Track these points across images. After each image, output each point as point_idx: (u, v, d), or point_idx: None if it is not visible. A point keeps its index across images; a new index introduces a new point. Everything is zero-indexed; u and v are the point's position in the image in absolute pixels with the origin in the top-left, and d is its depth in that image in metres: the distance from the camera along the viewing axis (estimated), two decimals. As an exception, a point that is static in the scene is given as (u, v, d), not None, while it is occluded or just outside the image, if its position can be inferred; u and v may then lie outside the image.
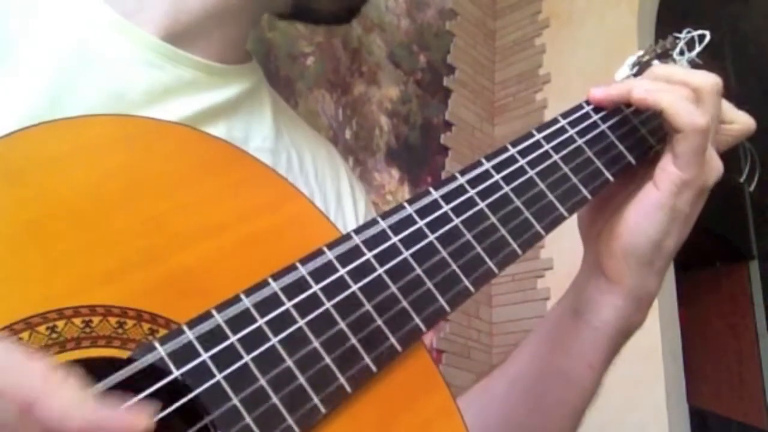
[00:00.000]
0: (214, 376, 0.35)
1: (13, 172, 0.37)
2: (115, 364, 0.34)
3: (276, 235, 0.42)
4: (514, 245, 0.47)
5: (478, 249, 0.45)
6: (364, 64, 2.59)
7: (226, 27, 0.59)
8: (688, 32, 0.61)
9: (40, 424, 0.28)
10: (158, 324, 0.36)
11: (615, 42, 2.68)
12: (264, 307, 0.38)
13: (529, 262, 2.61)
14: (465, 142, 2.84)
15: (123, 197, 0.39)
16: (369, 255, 0.42)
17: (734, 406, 3.60)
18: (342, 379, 0.38)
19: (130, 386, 0.33)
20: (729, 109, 0.57)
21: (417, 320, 0.41)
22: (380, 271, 0.42)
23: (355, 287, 0.40)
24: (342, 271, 0.41)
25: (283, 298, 0.38)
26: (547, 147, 0.52)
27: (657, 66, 0.58)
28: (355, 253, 0.42)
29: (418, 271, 0.43)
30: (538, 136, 0.52)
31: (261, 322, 0.37)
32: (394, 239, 0.43)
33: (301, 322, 0.38)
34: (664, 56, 0.61)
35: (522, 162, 0.50)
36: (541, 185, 0.50)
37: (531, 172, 0.50)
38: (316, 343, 0.38)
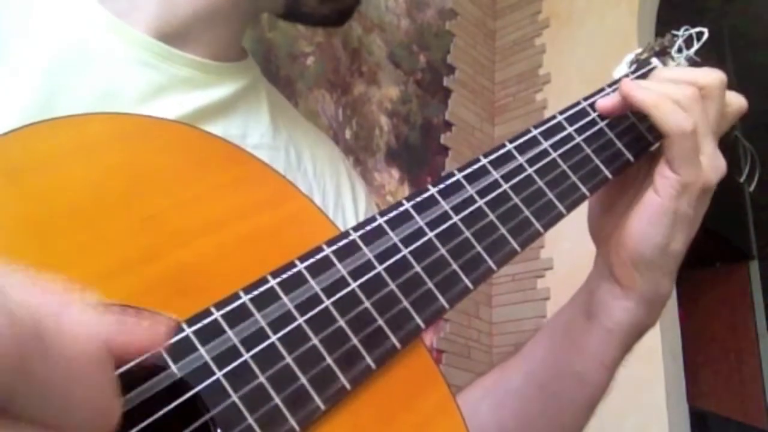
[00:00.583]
0: (213, 373, 0.35)
1: (11, 170, 0.37)
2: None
3: (275, 233, 0.42)
4: (513, 243, 0.47)
5: (478, 247, 0.45)
6: (364, 64, 2.59)
7: (218, 28, 0.59)
8: (686, 30, 0.61)
9: (66, 337, 0.26)
10: None
11: (615, 42, 2.68)
12: (263, 304, 0.38)
13: (529, 262, 2.61)
14: (465, 142, 2.84)
15: (122, 195, 0.39)
16: (368, 253, 0.42)
17: (734, 406, 3.60)
18: (342, 377, 0.38)
19: (129, 383, 0.33)
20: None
21: (417, 318, 0.41)
22: (380, 269, 0.42)
23: (354, 285, 0.40)
24: (341, 269, 0.41)
25: (282, 295, 0.38)
26: (545, 144, 0.52)
27: (662, 69, 0.58)
28: (354, 250, 0.42)
29: (417, 269, 0.43)
30: (535, 132, 0.52)
31: (260, 319, 0.37)
32: (393, 237, 0.43)
33: (301, 320, 0.38)
34: (663, 54, 0.61)
35: (521, 160, 0.50)
36: (540, 183, 0.50)
37: (530, 170, 0.50)
38: (315, 341, 0.38)
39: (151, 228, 0.38)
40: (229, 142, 0.44)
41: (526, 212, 0.48)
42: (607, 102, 0.55)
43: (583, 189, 0.51)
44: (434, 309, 0.42)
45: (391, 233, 0.43)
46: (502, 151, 0.50)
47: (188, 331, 0.35)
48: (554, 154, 0.51)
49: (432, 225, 0.45)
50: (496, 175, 0.48)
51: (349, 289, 0.40)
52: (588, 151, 0.53)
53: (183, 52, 0.57)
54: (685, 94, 0.52)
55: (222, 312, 0.36)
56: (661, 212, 0.52)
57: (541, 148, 0.51)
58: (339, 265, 0.41)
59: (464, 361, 2.57)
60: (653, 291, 0.55)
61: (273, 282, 0.38)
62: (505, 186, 0.48)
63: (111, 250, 0.37)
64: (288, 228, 0.42)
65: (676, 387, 2.34)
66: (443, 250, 0.44)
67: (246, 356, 0.36)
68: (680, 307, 2.47)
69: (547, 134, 0.52)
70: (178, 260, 0.38)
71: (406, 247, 0.43)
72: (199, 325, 0.36)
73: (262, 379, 0.36)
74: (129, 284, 0.36)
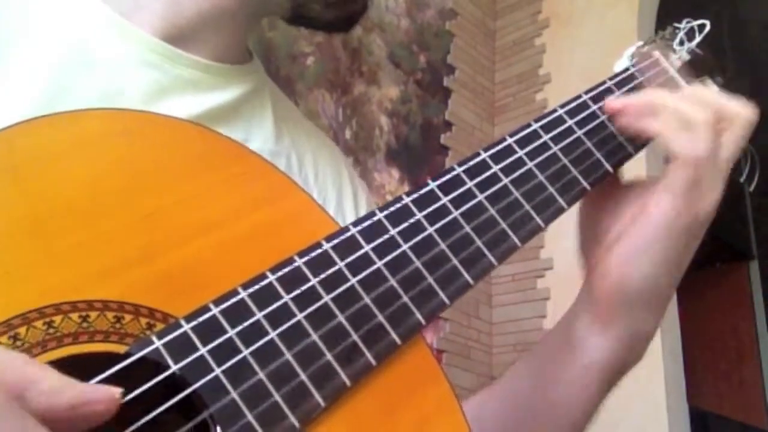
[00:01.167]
0: (212, 370, 0.35)
1: (10, 166, 0.37)
2: (113, 359, 0.34)
3: (274, 229, 0.41)
4: (514, 238, 0.46)
5: (478, 242, 0.45)
6: (364, 64, 2.59)
7: (224, 29, 0.59)
8: (688, 22, 0.61)
9: (30, 407, 0.28)
10: (156, 318, 0.36)
11: (615, 42, 2.68)
12: (262, 300, 0.37)
13: (529, 262, 2.61)
14: (465, 142, 2.84)
15: (121, 192, 0.39)
16: (367, 248, 0.41)
17: (734, 406, 3.60)
18: (341, 373, 0.37)
19: (129, 381, 0.33)
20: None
21: (417, 314, 0.41)
22: (379, 264, 0.41)
23: (354, 280, 0.40)
24: (340, 264, 0.40)
25: (281, 291, 0.38)
26: (545, 137, 0.51)
27: (695, 87, 0.56)
28: (354, 245, 0.41)
29: (417, 264, 0.43)
30: (536, 126, 0.52)
31: (259, 315, 0.37)
32: (393, 232, 0.43)
33: (300, 316, 0.38)
34: (664, 47, 0.60)
35: (520, 153, 0.50)
36: (541, 177, 0.49)
37: (530, 164, 0.49)
38: (315, 337, 0.38)
39: (151, 225, 0.38)
40: (229, 139, 0.44)
41: (527, 207, 0.48)
42: (617, 104, 0.53)
43: (584, 183, 0.51)
44: (434, 304, 0.42)
45: (390, 228, 0.43)
46: (502, 145, 0.50)
47: (186, 327, 0.35)
48: (555, 148, 0.51)
49: (432, 220, 0.44)
50: (495, 168, 0.48)
51: (348, 284, 0.40)
52: (589, 144, 0.52)
53: (188, 53, 0.56)
54: (707, 118, 0.50)
55: (220, 308, 0.36)
56: (652, 243, 0.49)
57: (541, 141, 0.51)
58: (338, 261, 0.40)
59: (464, 361, 2.57)
60: (634, 329, 0.51)
61: (272, 278, 0.38)
62: (506, 180, 0.48)
63: (109, 248, 0.37)
64: (287, 224, 0.42)
65: (676, 387, 2.34)
66: (443, 245, 0.44)
67: (245, 352, 0.36)
68: (680, 307, 2.46)
69: (546, 127, 0.52)
70: (177, 258, 0.38)
71: (406, 242, 0.43)
72: (197, 322, 0.36)
73: (261, 375, 0.35)
74: (128, 282, 0.36)
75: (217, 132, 0.44)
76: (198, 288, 0.37)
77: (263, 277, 0.38)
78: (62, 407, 0.29)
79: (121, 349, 0.35)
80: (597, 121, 0.53)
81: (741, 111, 0.52)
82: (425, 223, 0.44)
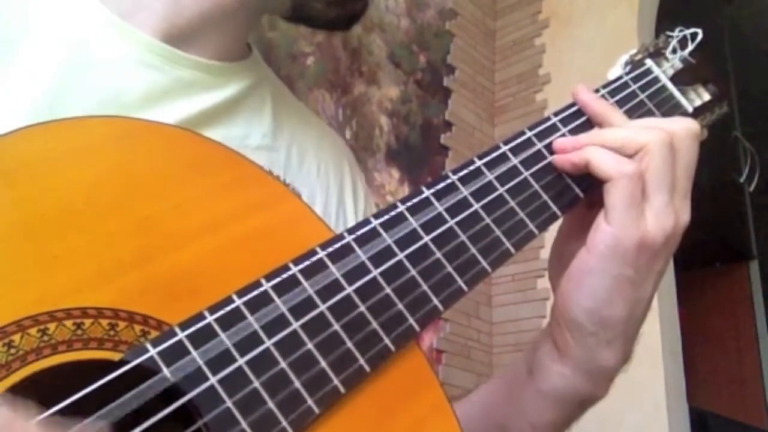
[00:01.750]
0: (207, 378, 0.35)
1: (6, 172, 0.37)
2: (108, 367, 0.33)
3: (269, 236, 0.41)
4: (508, 245, 0.47)
5: (473, 250, 0.45)
6: (364, 64, 2.59)
7: (224, 29, 0.59)
8: (681, 31, 0.61)
9: None
10: (150, 326, 0.36)
11: (615, 42, 2.68)
12: (257, 308, 0.37)
13: (529, 263, 2.61)
14: (465, 142, 2.84)
15: (117, 198, 0.39)
16: (362, 256, 0.41)
17: (734, 406, 3.60)
18: (336, 381, 0.37)
19: (123, 389, 0.33)
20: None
21: (411, 321, 0.41)
22: (375, 273, 0.41)
23: (349, 289, 0.40)
24: (335, 272, 0.40)
25: (276, 299, 0.38)
26: (539, 146, 0.51)
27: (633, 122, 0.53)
28: (349, 253, 0.41)
29: (413, 272, 0.43)
30: (530, 134, 0.52)
31: (255, 324, 0.37)
32: (388, 240, 0.43)
33: (296, 325, 0.38)
34: (657, 55, 0.60)
35: (515, 162, 0.50)
36: (536, 186, 0.50)
37: (526, 173, 0.50)
38: (310, 346, 0.38)
39: (146, 231, 0.38)
40: (223, 145, 0.44)
41: (521, 214, 0.48)
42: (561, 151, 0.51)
43: (577, 190, 0.51)
44: (428, 311, 0.42)
45: (385, 236, 0.43)
46: (496, 153, 0.50)
47: (181, 335, 0.35)
48: (550, 158, 0.51)
49: (427, 228, 0.44)
50: (490, 176, 0.48)
51: (344, 293, 0.40)
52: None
53: (188, 53, 0.56)
54: (649, 137, 0.47)
55: (215, 316, 0.36)
56: (588, 272, 0.46)
57: (534, 149, 0.51)
58: (333, 269, 0.40)
59: (464, 361, 2.57)
60: (588, 360, 0.48)
61: (267, 285, 0.38)
62: (501, 190, 0.48)
63: (105, 253, 0.37)
64: (282, 230, 0.42)
65: (676, 387, 2.33)
66: (438, 254, 0.44)
67: (240, 361, 0.36)
68: (680, 307, 2.46)
69: (541, 135, 0.52)
70: (173, 263, 0.38)
71: (401, 250, 0.43)
72: (192, 329, 0.36)
73: (256, 384, 0.35)
74: (123, 287, 0.36)
75: (212, 139, 0.44)
76: (193, 294, 0.37)
77: (258, 284, 0.38)
78: None
79: (116, 356, 0.35)
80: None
81: (682, 125, 0.50)
82: (420, 231, 0.44)
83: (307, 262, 0.40)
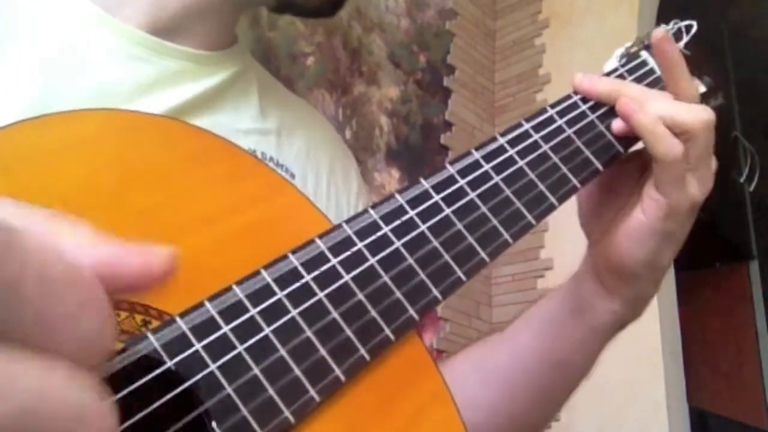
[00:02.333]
0: (207, 366, 0.35)
1: (3, 166, 0.37)
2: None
3: (268, 226, 0.42)
4: (506, 235, 0.47)
5: (470, 239, 0.45)
6: (364, 64, 2.59)
7: (209, 20, 0.60)
8: (676, 23, 0.62)
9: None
10: (151, 315, 0.36)
11: (615, 42, 2.66)
12: (256, 297, 0.38)
13: (529, 263, 2.61)
14: (465, 142, 2.84)
15: (114, 190, 0.39)
16: (360, 245, 0.42)
17: (734, 406, 3.60)
18: (336, 369, 0.38)
19: (123, 379, 0.33)
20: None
21: (410, 310, 0.41)
22: (372, 261, 0.42)
23: (347, 277, 0.40)
24: (334, 261, 0.41)
25: (276, 288, 0.38)
26: (536, 137, 0.52)
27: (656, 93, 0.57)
28: (347, 243, 0.42)
29: (410, 261, 0.43)
30: (527, 126, 0.52)
31: (254, 312, 0.37)
32: (386, 229, 0.43)
33: (294, 312, 0.38)
34: (652, 47, 0.61)
35: (511, 152, 0.50)
36: (531, 175, 0.50)
37: (521, 162, 0.50)
38: (309, 333, 0.38)
39: (144, 223, 0.38)
40: (219, 137, 0.44)
41: (518, 204, 0.48)
42: (585, 82, 0.56)
43: (575, 181, 0.52)
44: (427, 301, 0.42)
45: (383, 225, 0.43)
46: (494, 145, 0.50)
47: (182, 324, 0.35)
48: (545, 147, 0.52)
49: (424, 217, 0.45)
50: (487, 167, 0.49)
51: (342, 281, 0.40)
52: (579, 143, 0.53)
53: (175, 43, 0.57)
54: (694, 118, 0.52)
55: (215, 305, 0.36)
56: (647, 233, 0.53)
57: (531, 140, 0.52)
58: (332, 258, 0.41)
59: (464, 361, 2.57)
60: (636, 296, 0.56)
61: (266, 275, 0.38)
62: (497, 178, 0.49)
63: None
64: (281, 221, 0.42)
65: (676, 387, 2.33)
66: (435, 242, 0.44)
67: (240, 348, 0.36)
68: (680, 307, 2.46)
69: (537, 126, 0.53)
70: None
71: (399, 239, 0.43)
72: (192, 319, 0.36)
73: (256, 371, 0.36)
74: (123, 278, 0.36)
75: (206, 130, 0.45)
76: (192, 284, 0.37)
77: (258, 274, 0.38)
78: (93, 263, 0.25)
79: (117, 345, 0.35)
80: (587, 120, 0.55)
81: (703, 116, 0.53)
82: (417, 220, 0.44)
83: (306, 252, 0.40)
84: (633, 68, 0.59)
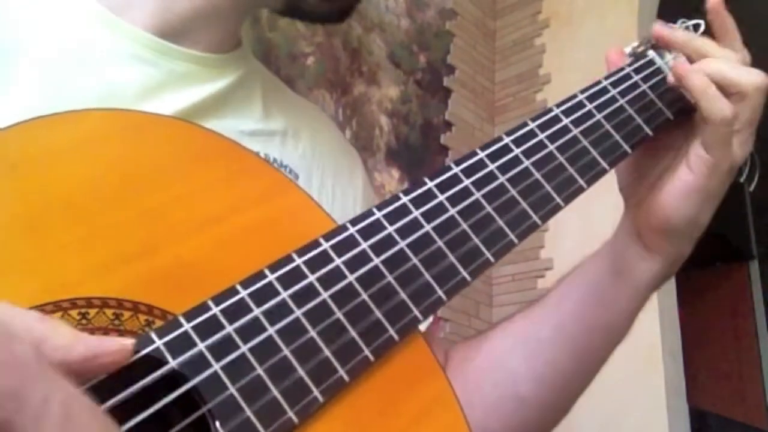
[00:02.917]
0: (211, 365, 0.35)
1: (9, 165, 0.37)
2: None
3: (271, 226, 0.42)
4: (512, 236, 0.47)
5: (475, 239, 0.45)
6: (364, 64, 2.59)
7: (216, 23, 0.60)
8: (683, 22, 0.62)
9: (50, 358, 0.30)
10: (155, 315, 0.36)
11: (615, 42, 2.66)
12: (260, 297, 0.37)
13: (529, 263, 2.61)
14: (465, 142, 2.84)
15: (119, 190, 0.39)
16: (365, 245, 0.42)
17: (734, 406, 3.60)
18: (340, 369, 0.38)
19: (127, 378, 0.33)
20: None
21: (415, 311, 0.41)
22: (377, 261, 0.42)
23: (351, 277, 0.40)
24: (338, 261, 0.41)
25: (280, 288, 0.38)
26: (540, 136, 0.52)
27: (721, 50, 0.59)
28: (351, 243, 0.42)
29: (415, 261, 0.43)
30: (533, 125, 0.52)
31: (258, 312, 0.37)
32: (390, 229, 0.43)
33: (298, 313, 0.38)
34: (660, 46, 0.61)
35: (516, 151, 0.50)
36: (537, 174, 0.50)
37: (526, 162, 0.50)
38: (313, 333, 0.38)
39: (149, 222, 0.38)
40: (224, 136, 0.44)
41: (523, 204, 0.48)
42: (665, 30, 0.59)
43: (581, 181, 0.51)
44: (432, 301, 0.42)
45: (387, 226, 0.43)
46: (498, 144, 0.50)
47: (186, 325, 0.35)
48: (551, 147, 0.52)
49: (428, 217, 0.45)
50: (492, 166, 0.48)
51: (346, 281, 0.40)
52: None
53: (181, 45, 0.57)
54: (749, 81, 0.55)
55: (220, 305, 0.37)
56: (694, 189, 0.55)
57: (537, 140, 0.52)
58: (336, 258, 0.41)
59: (464, 361, 2.56)
60: (678, 254, 0.58)
61: (270, 276, 0.38)
62: (503, 179, 0.48)
63: (108, 244, 0.37)
64: (285, 221, 0.42)
65: (676, 387, 2.33)
66: (440, 242, 0.44)
67: (243, 348, 0.36)
68: (680, 307, 2.46)
69: (543, 127, 0.52)
70: (176, 254, 0.38)
71: (403, 239, 0.43)
72: (196, 319, 0.36)
73: (260, 371, 0.36)
74: (126, 278, 0.36)
75: (211, 130, 0.45)
76: (196, 284, 0.37)
77: (262, 275, 0.38)
78: (76, 360, 0.31)
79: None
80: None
81: (756, 77, 0.56)
82: (422, 221, 0.44)
83: (310, 252, 0.40)
84: (639, 68, 0.59)
